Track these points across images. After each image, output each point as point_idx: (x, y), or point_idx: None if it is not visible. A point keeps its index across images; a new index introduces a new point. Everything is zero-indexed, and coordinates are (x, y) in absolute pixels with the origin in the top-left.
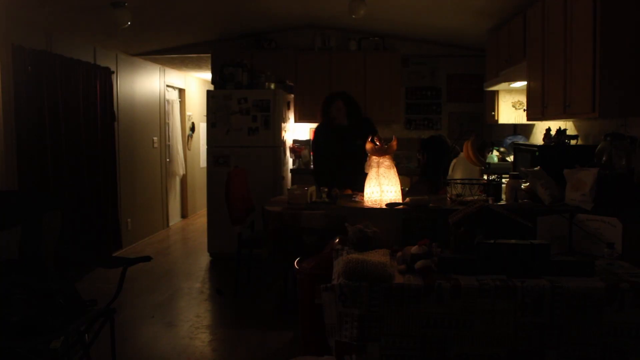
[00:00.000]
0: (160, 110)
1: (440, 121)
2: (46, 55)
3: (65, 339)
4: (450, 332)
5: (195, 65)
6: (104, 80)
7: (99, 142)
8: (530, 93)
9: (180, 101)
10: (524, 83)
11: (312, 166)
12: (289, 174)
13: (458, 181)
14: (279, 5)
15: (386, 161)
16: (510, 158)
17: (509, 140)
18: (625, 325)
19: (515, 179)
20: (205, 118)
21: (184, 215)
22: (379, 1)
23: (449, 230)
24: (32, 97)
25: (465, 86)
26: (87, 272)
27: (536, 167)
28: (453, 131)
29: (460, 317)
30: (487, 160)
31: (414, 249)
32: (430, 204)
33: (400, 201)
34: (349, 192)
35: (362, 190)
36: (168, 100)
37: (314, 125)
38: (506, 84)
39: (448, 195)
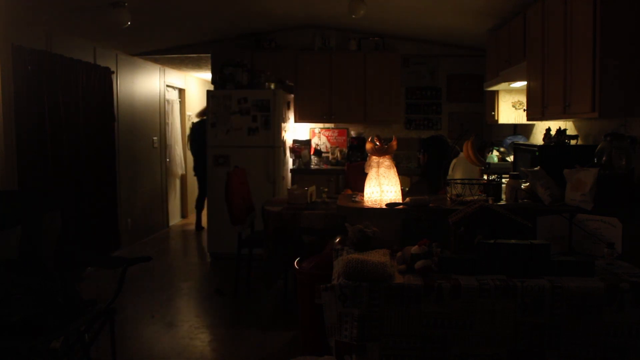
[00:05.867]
0: (160, 110)
1: (440, 121)
2: (46, 55)
3: (65, 339)
4: (450, 332)
5: (195, 65)
6: (104, 80)
7: (99, 142)
8: (530, 93)
9: (180, 101)
10: (524, 83)
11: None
12: (289, 174)
13: (458, 181)
14: (279, 5)
15: (386, 161)
16: (510, 158)
17: (509, 140)
18: (625, 325)
19: (515, 179)
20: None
21: (184, 215)
22: (379, 1)
23: (449, 230)
24: (32, 97)
25: (465, 86)
26: (87, 272)
27: (536, 167)
28: (453, 131)
29: (460, 317)
30: (487, 160)
31: (414, 249)
32: (430, 204)
33: (400, 201)
34: (349, 192)
35: None
36: (168, 100)
37: (314, 125)
38: (506, 84)
39: (448, 195)
